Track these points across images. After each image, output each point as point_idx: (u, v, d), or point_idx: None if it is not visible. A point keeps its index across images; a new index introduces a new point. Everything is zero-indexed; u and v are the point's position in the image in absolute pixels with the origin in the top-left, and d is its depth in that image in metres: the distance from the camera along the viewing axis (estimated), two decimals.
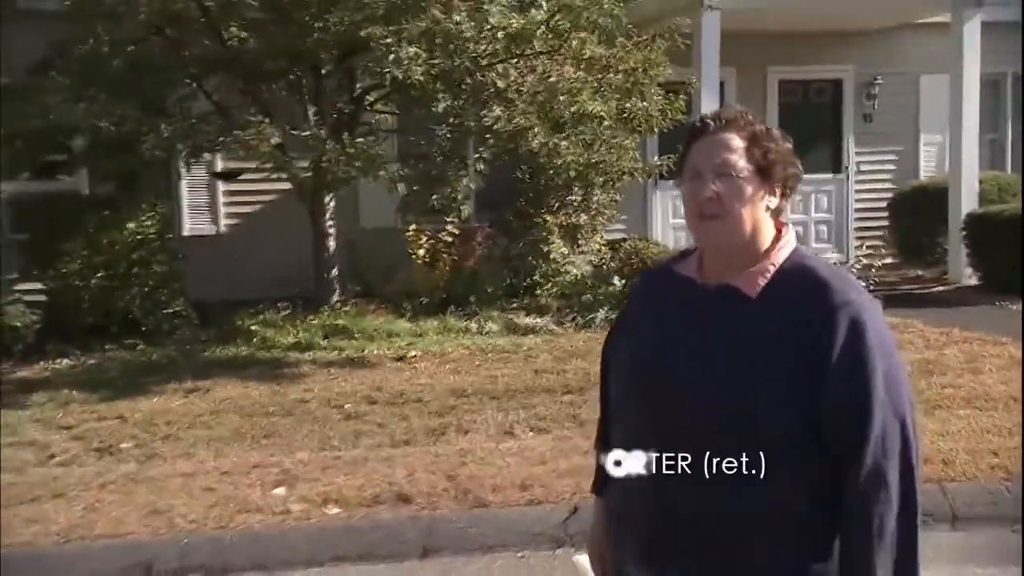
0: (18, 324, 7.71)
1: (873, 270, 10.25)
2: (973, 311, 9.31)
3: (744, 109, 1.81)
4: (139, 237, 8.36)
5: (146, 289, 8.38)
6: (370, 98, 8.78)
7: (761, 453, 1.68)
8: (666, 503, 1.76)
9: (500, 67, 7.60)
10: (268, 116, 7.65)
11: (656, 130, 8.41)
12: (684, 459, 1.72)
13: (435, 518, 4.45)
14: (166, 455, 5.36)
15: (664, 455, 1.74)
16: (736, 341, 1.73)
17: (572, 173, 8.24)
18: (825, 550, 1.69)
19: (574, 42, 7.57)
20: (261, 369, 7.38)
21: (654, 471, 1.76)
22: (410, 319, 8.96)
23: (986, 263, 10.61)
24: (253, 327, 8.62)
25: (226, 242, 10.56)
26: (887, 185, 13.03)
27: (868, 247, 10.07)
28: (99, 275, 8.14)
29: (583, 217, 9.31)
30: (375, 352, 7.94)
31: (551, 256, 9.53)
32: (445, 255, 9.48)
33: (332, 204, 9.08)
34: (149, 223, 8.46)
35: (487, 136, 7.54)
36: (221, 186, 10.56)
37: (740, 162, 1.74)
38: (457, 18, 7.00)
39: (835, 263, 10.33)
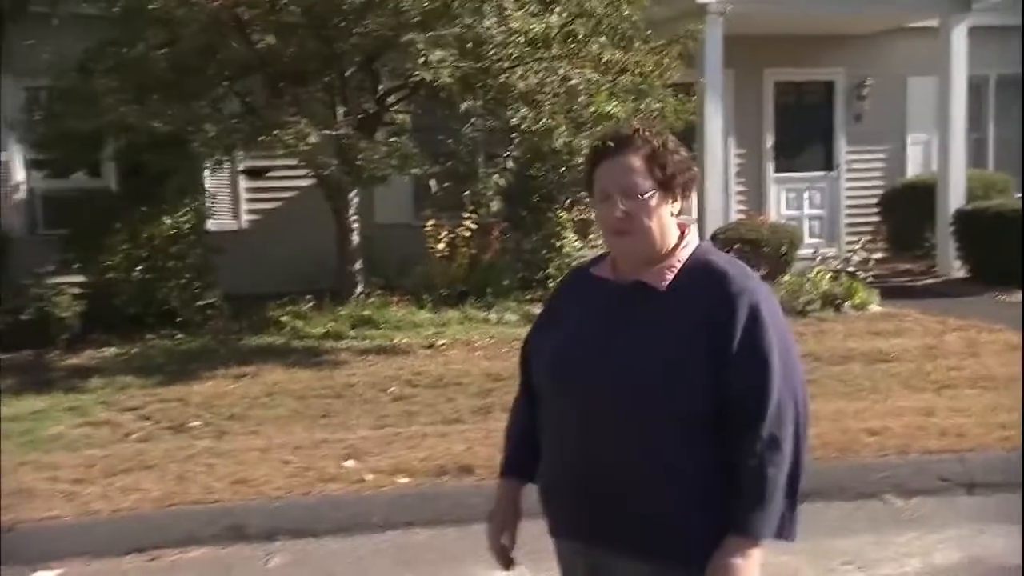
0: (66, 314, 8.05)
1: (871, 263, 10.81)
2: (965, 301, 9.84)
3: (639, 126, 1.98)
4: (176, 232, 8.72)
5: (182, 281, 8.76)
6: (390, 99, 9.19)
7: (673, 427, 1.87)
8: (593, 478, 1.93)
9: (520, 70, 8.02)
10: (304, 116, 8.02)
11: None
12: (606, 437, 1.90)
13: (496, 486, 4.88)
14: (235, 432, 5.77)
15: (589, 436, 1.92)
16: (647, 330, 1.91)
17: None
18: (718, 506, 1.89)
19: (593, 46, 8.00)
20: (300, 356, 7.77)
21: (581, 451, 1.94)
22: (431, 310, 9.36)
23: (974, 256, 11.17)
24: (283, 318, 9.00)
25: (248, 237, 10.91)
26: (876, 182, 13.57)
27: (865, 242, 10.54)
28: (139, 268, 8.50)
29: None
30: (404, 341, 8.33)
31: (564, 250, 9.97)
32: (463, 249, 9.90)
33: (356, 200, 9.48)
34: (185, 218, 8.83)
35: (513, 135, 7.96)
36: (243, 183, 10.92)
37: (643, 182, 1.91)
38: (487, 23, 7.41)
39: (829, 256, 10.95)
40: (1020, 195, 12.22)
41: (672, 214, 1.96)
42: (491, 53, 7.73)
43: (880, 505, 4.61)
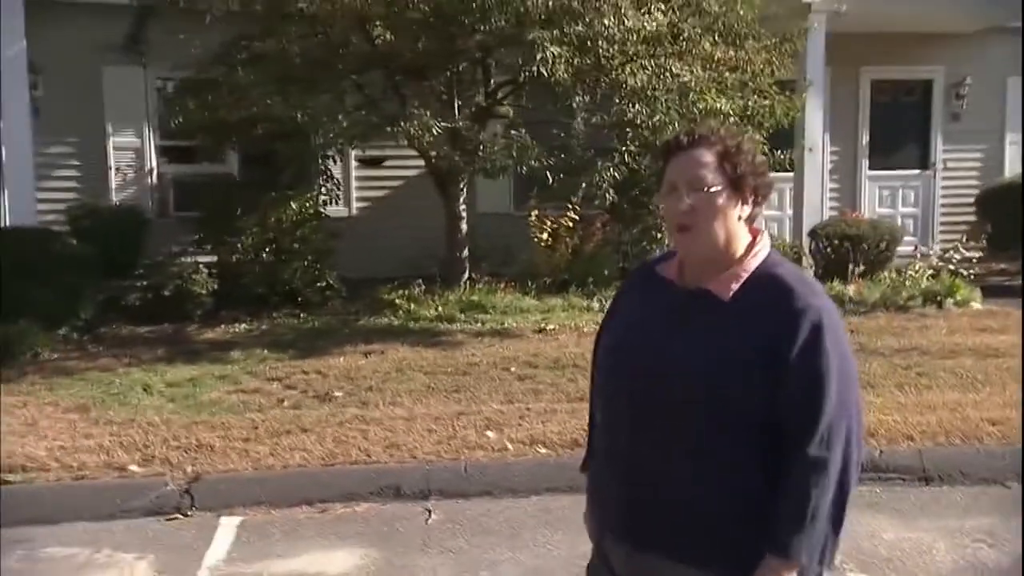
0: (203, 292, 8.60)
1: (974, 260, 10.85)
2: None
3: (716, 127, 2.00)
4: (300, 217, 9.22)
5: (305, 264, 9.25)
6: (500, 93, 9.56)
7: (724, 434, 1.85)
8: (640, 481, 1.93)
9: (630, 67, 8.31)
10: (424, 109, 8.44)
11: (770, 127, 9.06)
12: (655, 438, 1.90)
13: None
14: (376, 403, 6.20)
15: (637, 438, 1.92)
16: (706, 336, 1.88)
17: None
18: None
19: (706, 44, 8.26)
20: (418, 337, 8.20)
21: (629, 453, 1.94)
22: (535, 297, 9.73)
23: None
24: (397, 301, 9.46)
25: (357, 224, 11.40)
26: (972, 182, 13.56)
27: (966, 240, 10.59)
28: (267, 250, 9.02)
29: None
30: (514, 325, 8.72)
31: (665, 242, 10.24)
32: (566, 239, 10.26)
33: (465, 190, 9.88)
34: (308, 204, 9.33)
35: (627, 130, 8.27)
36: (354, 172, 11.42)
37: (711, 176, 1.89)
38: (607, 21, 7.73)
39: (926, 254, 11.02)
40: None
41: (740, 217, 1.93)
42: (605, 50, 8.04)
43: (1003, 490, 4.84)
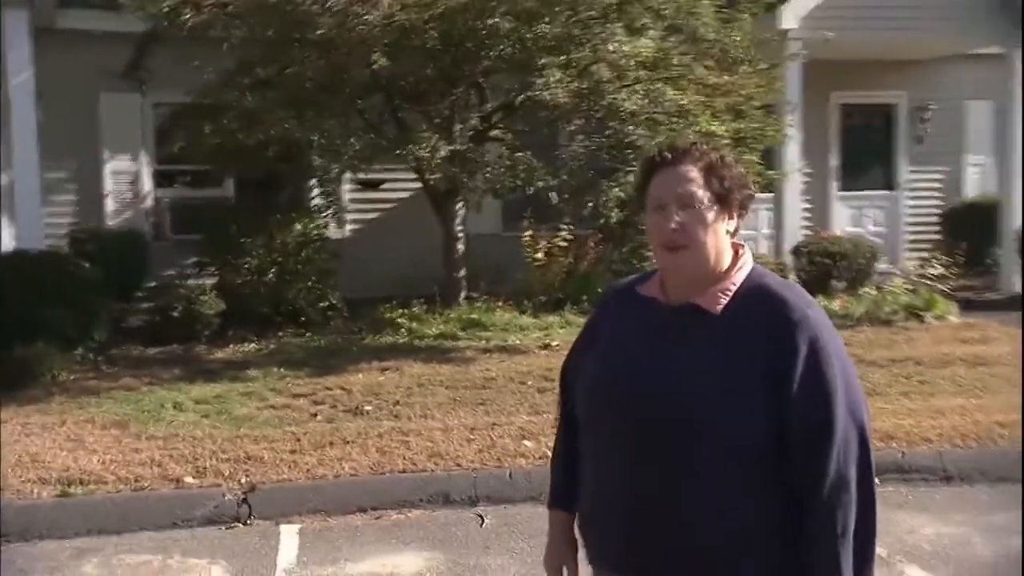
0: (210, 312, 8.71)
1: (950, 276, 11.31)
2: None
3: (696, 140, 1.96)
4: (304, 238, 9.39)
5: (308, 284, 9.40)
6: (495, 116, 9.84)
7: (727, 460, 1.77)
8: (639, 510, 1.84)
9: (626, 91, 8.64)
10: (427, 132, 8.67)
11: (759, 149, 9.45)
12: (652, 468, 1.81)
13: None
14: (408, 416, 6.39)
15: (636, 466, 1.83)
16: (701, 356, 1.81)
17: None
18: (782, 548, 1.80)
19: (699, 69, 8.63)
20: (428, 353, 8.39)
21: (627, 481, 1.85)
22: (532, 315, 9.99)
23: None
24: (399, 319, 9.64)
25: (351, 245, 11.55)
26: (936, 202, 14.15)
27: (940, 257, 11.07)
28: (272, 272, 9.16)
29: None
30: (518, 342, 8.95)
31: (654, 260, 10.58)
32: (562, 258, 10.54)
33: (462, 211, 10.12)
34: (313, 226, 9.50)
35: (627, 151, 8.58)
36: (347, 195, 11.59)
37: (700, 192, 1.83)
38: (610, 47, 8.06)
39: (893, 272, 11.51)
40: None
41: (728, 232, 1.88)
42: (605, 75, 8.36)
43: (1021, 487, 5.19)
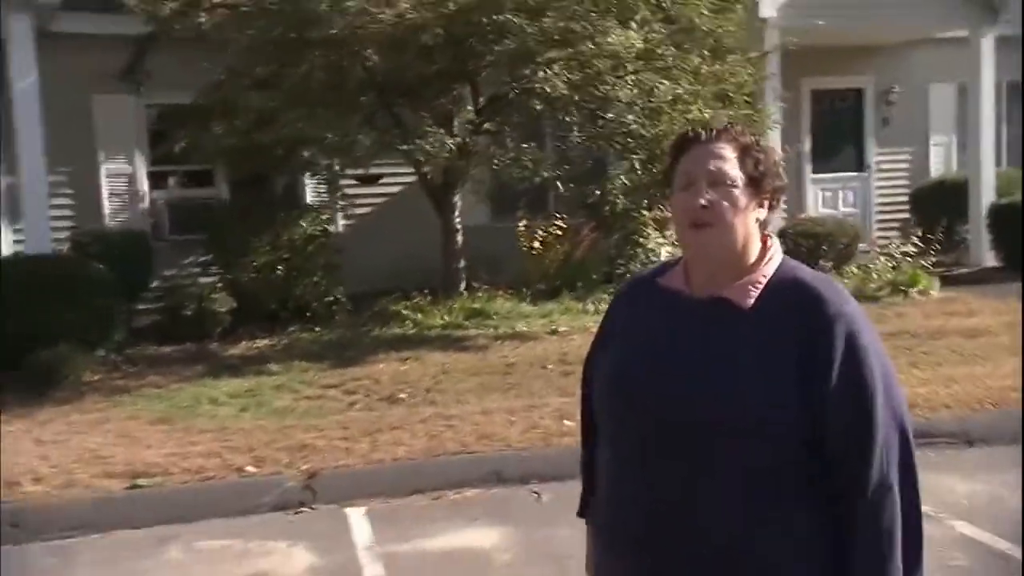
0: (221, 310, 8.81)
1: (910, 257, 11.81)
2: (1007, 287, 10.84)
3: (731, 122, 2.03)
4: (309, 235, 9.52)
5: (315, 279, 9.54)
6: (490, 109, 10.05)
7: (760, 458, 1.68)
8: (664, 512, 1.73)
9: (622, 81, 8.89)
10: (426, 127, 8.85)
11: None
12: (676, 471, 1.71)
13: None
14: (444, 402, 6.59)
15: (656, 467, 1.73)
16: (731, 353, 1.71)
17: None
18: (821, 557, 1.70)
19: (693, 58, 8.92)
20: (440, 343, 8.58)
21: (646, 484, 1.75)
22: (531, 302, 10.22)
23: (1006, 247, 12.25)
24: (403, 311, 9.81)
25: (345, 240, 11.68)
26: (903, 182, 14.65)
27: (918, 235, 11.51)
28: (279, 268, 9.28)
29: None
30: (525, 329, 9.17)
31: (648, 247, 10.88)
32: (557, 247, 10.79)
33: (459, 203, 10.32)
34: (316, 222, 9.63)
35: (628, 140, 8.84)
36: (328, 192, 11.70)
37: (733, 171, 1.74)
38: (610, 39, 8.30)
39: (864, 250, 11.95)
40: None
41: (757, 220, 1.77)
42: (603, 66, 8.60)
43: None
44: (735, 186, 1.73)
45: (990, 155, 12.89)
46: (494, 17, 7.91)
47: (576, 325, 9.22)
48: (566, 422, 6.00)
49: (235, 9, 7.99)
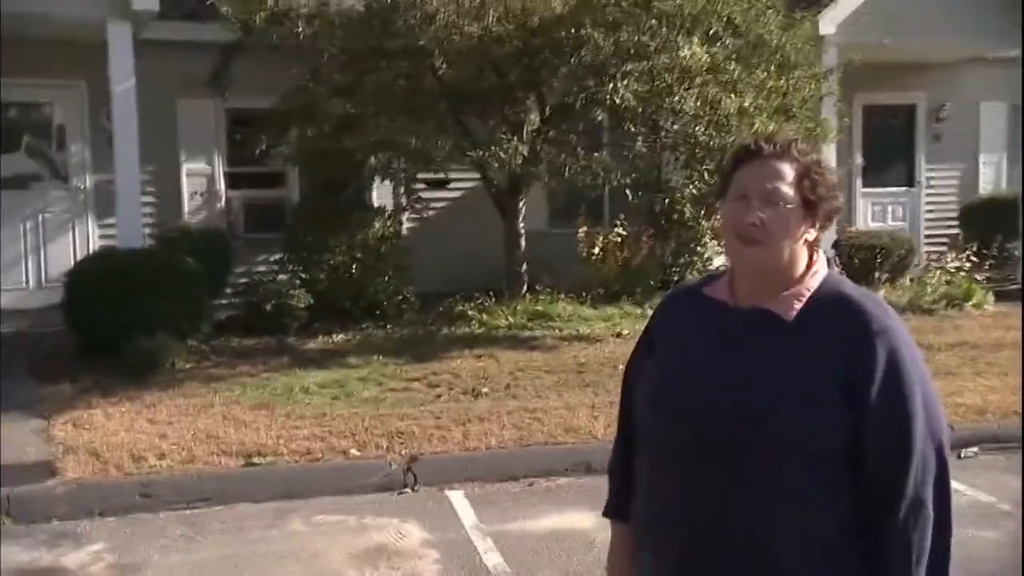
0: (301, 306, 9.20)
1: (962, 272, 12.01)
2: None
3: (797, 138, 1.83)
4: (382, 235, 9.91)
5: (386, 279, 9.91)
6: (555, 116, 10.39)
7: (799, 467, 1.69)
8: (701, 522, 1.76)
9: (690, 92, 9.20)
10: (506, 133, 9.20)
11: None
12: (719, 479, 1.74)
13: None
14: (527, 396, 6.92)
15: (696, 475, 1.76)
16: (773, 365, 1.73)
17: None
18: (848, 563, 1.74)
19: (760, 72, 9.21)
20: (509, 342, 8.91)
21: (686, 491, 1.78)
22: (591, 306, 10.54)
23: None
24: (469, 312, 10.16)
25: (407, 242, 12.05)
26: (952, 198, 14.85)
27: (971, 251, 11.72)
28: (353, 267, 9.67)
29: None
30: (588, 331, 9.48)
31: (704, 255, 11.18)
32: (616, 253, 11.11)
33: (524, 207, 10.66)
34: (389, 224, 10.02)
35: (696, 151, 9.15)
36: (404, 195, 12.09)
37: (789, 192, 1.74)
38: (684, 52, 8.61)
39: (940, 261, 12.16)
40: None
41: (806, 240, 1.78)
42: (674, 78, 8.92)
43: None
44: (789, 207, 1.74)
45: None
46: (574, 31, 8.25)
47: (637, 329, 9.34)
48: None
49: (325, 19, 8.38)
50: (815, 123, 9.76)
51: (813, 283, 1.79)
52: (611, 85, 8.77)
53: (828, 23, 11.65)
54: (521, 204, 10.59)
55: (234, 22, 8.81)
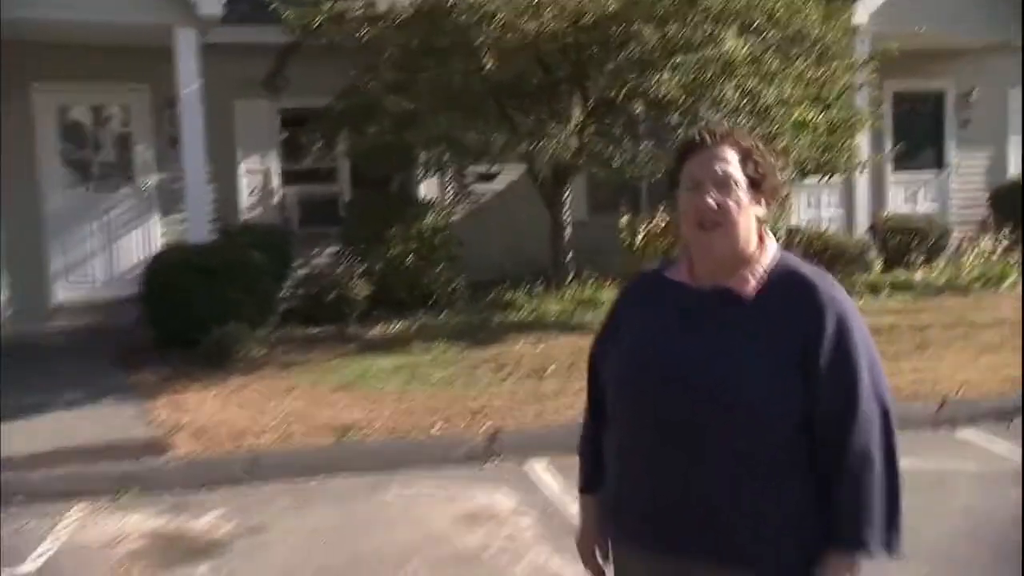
0: (361, 296, 9.61)
1: (994, 255, 12.29)
2: None
3: (733, 126, 2.19)
4: (435, 227, 10.30)
5: (439, 269, 10.31)
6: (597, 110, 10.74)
7: (759, 440, 1.83)
8: (666, 502, 1.90)
9: (732, 83, 9.52)
10: (553, 126, 9.55)
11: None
12: (685, 454, 1.86)
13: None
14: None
15: (664, 451, 1.89)
16: (733, 339, 1.86)
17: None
18: (809, 527, 1.87)
19: (799, 64, 9.52)
20: (561, 328, 9.27)
21: (654, 465, 1.91)
22: None
23: None
24: (518, 299, 10.54)
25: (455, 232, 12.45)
26: (980, 181, 15.13)
27: (1008, 232, 11.99)
28: (409, 258, 10.07)
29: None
30: None
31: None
32: (660, 241, 11.45)
33: (570, 198, 11.03)
34: (440, 216, 10.41)
35: None
36: (450, 187, 12.47)
37: (736, 174, 1.90)
38: (728, 45, 8.94)
39: (970, 243, 12.44)
40: None
41: (757, 217, 1.94)
42: (716, 70, 9.24)
43: None
44: (738, 187, 1.90)
45: None
46: (624, 26, 8.60)
47: None
48: None
49: (383, 21, 8.77)
50: (850, 111, 10.07)
51: (765, 259, 1.95)
52: (657, 77, 9.12)
53: (861, 12, 11.93)
54: (567, 195, 10.96)
55: (291, 24, 9.17)
